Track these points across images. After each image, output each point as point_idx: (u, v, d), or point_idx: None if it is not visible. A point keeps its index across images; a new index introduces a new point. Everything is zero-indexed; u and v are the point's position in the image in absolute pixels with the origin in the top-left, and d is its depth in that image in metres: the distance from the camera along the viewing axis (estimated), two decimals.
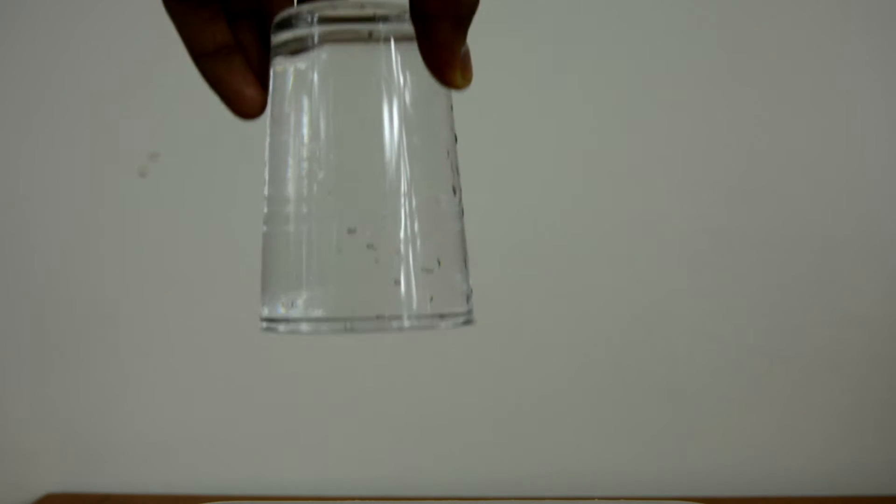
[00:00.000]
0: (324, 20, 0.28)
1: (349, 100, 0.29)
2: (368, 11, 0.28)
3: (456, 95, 0.75)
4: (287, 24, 0.29)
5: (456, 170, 0.30)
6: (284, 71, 0.30)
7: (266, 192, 0.30)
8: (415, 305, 0.27)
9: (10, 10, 0.75)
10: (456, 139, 0.30)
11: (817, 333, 0.74)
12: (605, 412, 0.76)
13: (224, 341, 0.75)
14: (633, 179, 0.74)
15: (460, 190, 0.30)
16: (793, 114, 0.73)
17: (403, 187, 0.28)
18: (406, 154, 0.28)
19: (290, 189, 0.28)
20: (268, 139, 0.30)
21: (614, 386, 0.75)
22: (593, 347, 0.75)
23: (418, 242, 0.28)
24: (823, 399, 0.75)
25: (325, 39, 0.28)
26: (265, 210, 0.30)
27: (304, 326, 0.28)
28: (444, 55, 0.26)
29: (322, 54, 0.28)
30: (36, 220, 0.76)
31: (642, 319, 0.75)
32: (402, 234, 0.27)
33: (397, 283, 0.27)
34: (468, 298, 0.29)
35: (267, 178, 0.30)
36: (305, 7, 0.29)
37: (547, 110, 0.73)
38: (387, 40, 0.28)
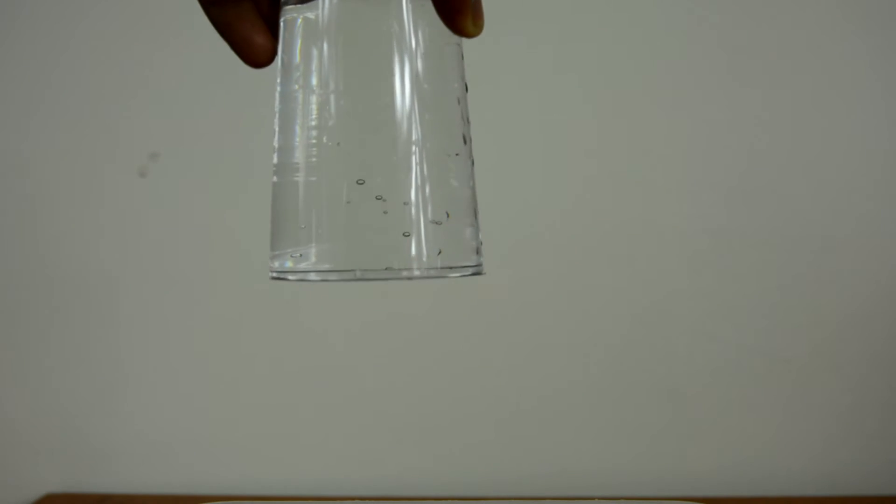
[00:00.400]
0: None
1: (359, 49, 0.28)
2: None
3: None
4: None
5: (467, 119, 0.29)
6: (294, 20, 0.29)
7: (276, 143, 0.29)
8: (424, 258, 0.27)
9: (10, 10, 0.75)
10: (467, 88, 0.30)
11: (817, 333, 0.74)
12: (605, 412, 0.76)
13: (224, 341, 0.75)
14: (633, 179, 0.74)
15: (471, 140, 0.29)
16: (793, 114, 0.73)
17: (414, 137, 0.27)
18: (417, 104, 0.28)
19: (300, 139, 0.28)
20: (277, 88, 0.30)
21: (614, 386, 0.75)
22: (593, 347, 0.75)
23: (428, 194, 0.27)
24: (823, 399, 0.75)
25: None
26: (275, 160, 0.29)
27: (312, 276, 0.28)
28: (454, 2, 0.26)
29: (333, 2, 0.28)
30: (36, 219, 0.76)
31: (642, 319, 0.75)
32: (411, 186, 0.27)
33: (406, 235, 0.27)
34: (478, 251, 0.29)
35: (277, 127, 0.29)
36: None
37: (547, 110, 0.73)
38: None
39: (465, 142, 0.29)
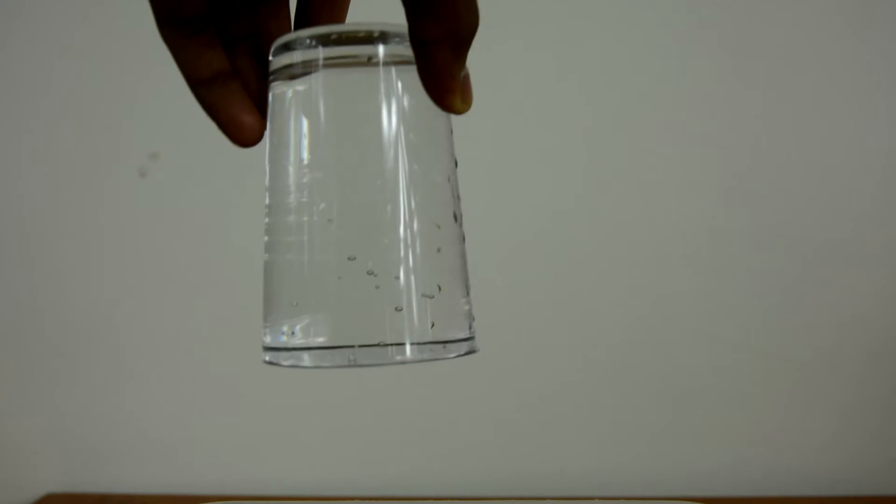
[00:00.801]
0: (323, 43, 0.28)
1: (349, 126, 0.28)
2: (368, 35, 0.28)
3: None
4: (286, 47, 0.29)
5: (457, 196, 0.29)
6: (283, 94, 0.29)
7: (266, 220, 0.29)
8: (417, 332, 0.27)
9: (11, 10, 0.75)
10: (456, 164, 0.30)
11: (817, 333, 0.74)
12: (605, 412, 0.76)
13: (224, 341, 0.75)
14: (633, 179, 0.74)
15: (461, 216, 0.29)
16: (793, 114, 0.73)
17: (404, 215, 0.27)
18: (407, 181, 0.28)
19: (291, 217, 0.28)
20: (267, 165, 0.30)
21: (614, 386, 0.75)
22: (593, 348, 0.75)
23: (419, 269, 0.27)
24: (823, 399, 0.75)
25: (325, 64, 0.28)
26: (266, 238, 0.29)
27: (306, 358, 0.28)
28: (443, 80, 0.26)
29: (321, 78, 0.28)
30: (36, 220, 0.76)
31: (642, 320, 0.75)
32: (401, 261, 0.27)
33: (398, 309, 0.27)
34: (470, 326, 0.29)
35: (267, 203, 0.30)
36: (305, 31, 0.29)
37: (547, 111, 0.73)
38: (386, 64, 0.28)
39: (455, 219, 0.29)
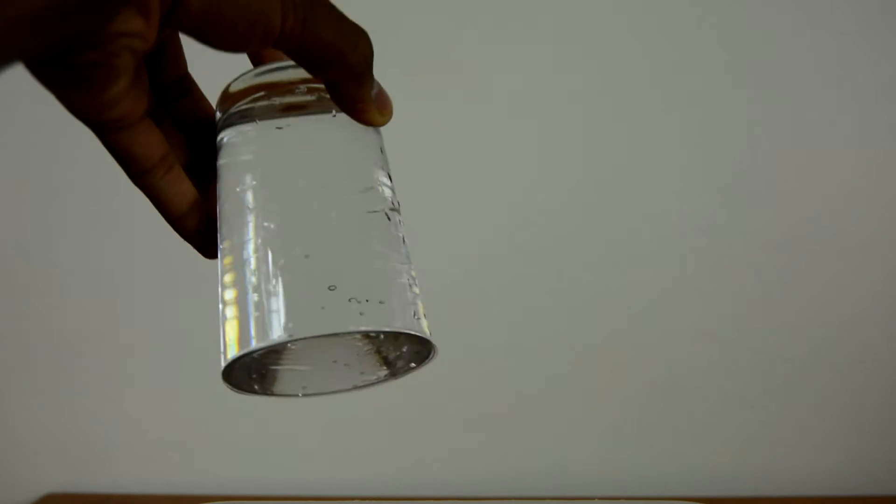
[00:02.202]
0: (254, 94, 0.30)
1: (290, 170, 0.29)
2: (294, 79, 0.30)
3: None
4: (225, 98, 0.31)
5: (391, 200, 0.30)
6: (229, 143, 0.30)
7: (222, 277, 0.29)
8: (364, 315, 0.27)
9: None
10: (391, 178, 0.31)
11: (817, 333, 0.74)
12: (604, 412, 0.76)
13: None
14: (632, 179, 0.74)
15: (398, 212, 0.30)
16: (793, 114, 0.73)
17: (354, 237, 0.28)
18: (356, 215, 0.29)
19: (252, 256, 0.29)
20: (218, 208, 0.30)
21: (614, 386, 0.75)
22: (593, 347, 0.75)
23: (364, 267, 0.28)
24: (823, 399, 0.75)
25: (257, 113, 0.30)
26: (223, 294, 0.29)
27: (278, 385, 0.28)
28: (357, 105, 0.29)
29: (257, 127, 0.30)
30: (36, 220, 0.76)
31: (642, 319, 0.75)
32: (350, 266, 0.28)
33: (350, 300, 0.27)
34: (417, 317, 0.29)
35: (223, 257, 0.29)
36: (248, 80, 0.31)
37: (547, 111, 0.73)
38: (316, 104, 0.30)
39: (388, 218, 0.29)
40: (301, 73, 0.30)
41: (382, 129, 0.31)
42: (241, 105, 0.31)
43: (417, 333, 0.27)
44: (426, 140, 0.72)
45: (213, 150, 0.31)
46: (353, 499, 0.67)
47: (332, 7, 0.27)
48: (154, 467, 0.77)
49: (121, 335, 0.77)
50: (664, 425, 0.75)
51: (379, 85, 0.30)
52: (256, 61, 0.32)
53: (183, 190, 0.30)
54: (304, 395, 0.31)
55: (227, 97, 0.31)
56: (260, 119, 0.30)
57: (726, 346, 0.74)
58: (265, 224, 0.28)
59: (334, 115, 0.30)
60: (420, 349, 0.30)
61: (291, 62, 0.30)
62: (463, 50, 0.72)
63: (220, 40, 0.26)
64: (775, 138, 0.73)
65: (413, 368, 0.31)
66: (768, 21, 0.72)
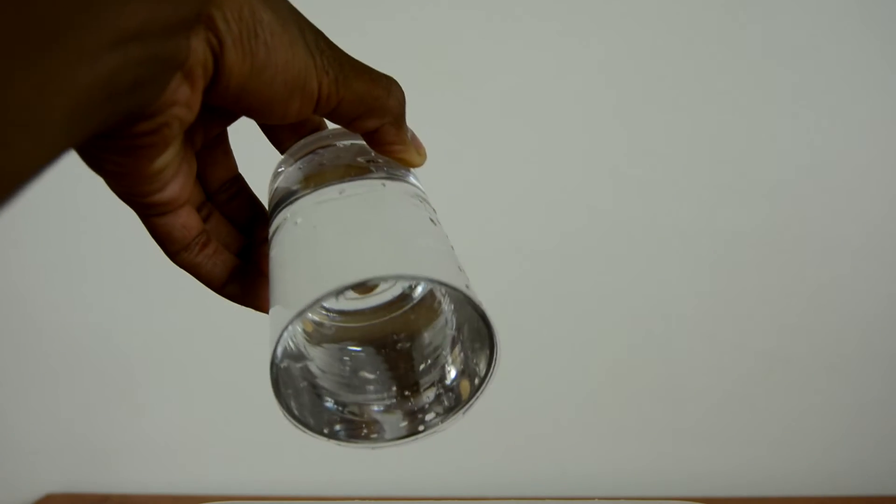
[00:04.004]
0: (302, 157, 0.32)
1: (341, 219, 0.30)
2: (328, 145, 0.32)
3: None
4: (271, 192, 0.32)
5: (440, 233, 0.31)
6: (278, 229, 0.30)
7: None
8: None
9: None
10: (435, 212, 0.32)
11: (817, 333, 0.74)
12: (605, 412, 0.76)
13: (224, 341, 0.75)
14: (633, 179, 0.74)
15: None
16: (793, 114, 0.73)
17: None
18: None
19: None
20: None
21: (614, 386, 0.75)
22: (593, 348, 0.75)
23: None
24: (823, 399, 0.75)
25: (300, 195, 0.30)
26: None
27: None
28: (397, 147, 0.31)
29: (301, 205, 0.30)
30: (35, 220, 0.76)
31: (643, 320, 0.75)
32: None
33: None
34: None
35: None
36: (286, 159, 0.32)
37: (548, 111, 0.73)
38: (364, 169, 0.31)
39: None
40: (332, 140, 0.31)
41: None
42: (284, 191, 0.31)
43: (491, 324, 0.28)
44: (426, 140, 0.71)
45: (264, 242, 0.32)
46: (353, 499, 0.67)
47: (357, 61, 0.28)
48: (154, 467, 0.77)
49: (121, 335, 0.76)
50: (664, 425, 0.75)
51: (411, 129, 0.31)
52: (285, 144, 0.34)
53: (222, 260, 0.31)
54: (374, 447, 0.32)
55: (273, 191, 0.32)
56: (303, 198, 0.30)
57: (726, 346, 0.74)
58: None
59: (384, 185, 0.30)
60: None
61: (316, 137, 0.31)
62: (463, 49, 0.72)
63: (262, 111, 0.26)
64: (776, 138, 0.73)
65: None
66: (768, 21, 0.72)
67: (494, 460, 0.76)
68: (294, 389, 0.30)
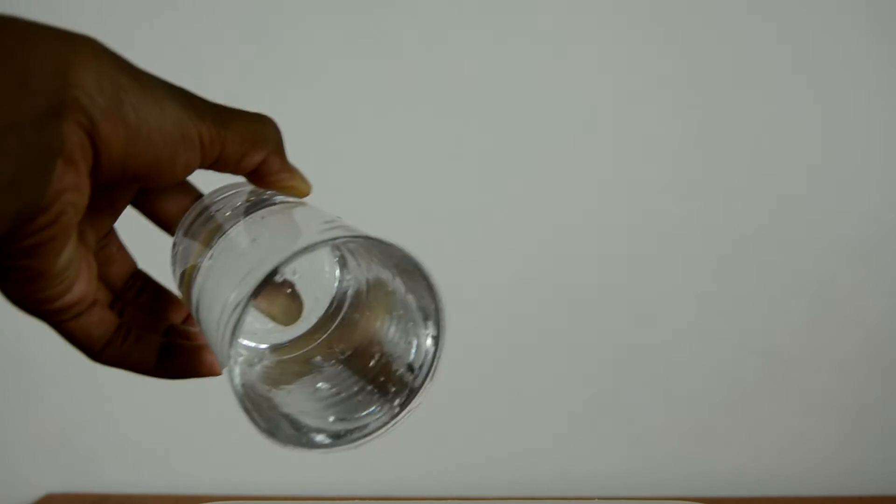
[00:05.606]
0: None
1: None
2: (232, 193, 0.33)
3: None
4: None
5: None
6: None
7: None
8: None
9: (10, 10, 0.75)
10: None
11: (817, 333, 0.74)
12: (605, 412, 0.76)
13: None
14: (633, 179, 0.74)
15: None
16: (793, 114, 0.73)
17: None
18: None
19: None
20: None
21: (614, 386, 0.75)
22: (593, 348, 0.75)
23: None
24: (823, 399, 0.75)
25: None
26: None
27: None
28: (284, 174, 0.30)
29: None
30: None
31: (642, 319, 0.75)
32: None
33: None
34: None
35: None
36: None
37: (548, 111, 0.73)
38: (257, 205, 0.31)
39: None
40: (212, 198, 0.32)
41: None
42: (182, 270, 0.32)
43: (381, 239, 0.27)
44: (426, 140, 0.72)
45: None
46: (353, 499, 0.67)
47: (223, 105, 0.29)
48: (154, 467, 0.77)
49: None
50: (664, 425, 0.75)
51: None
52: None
53: (148, 343, 0.32)
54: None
55: (179, 276, 0.33)
56: (203, 263, 0.31)
57: (727, 346, 0.74)
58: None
59: (262, 218, 0.30)
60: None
61: (197, 204, 0.32)
62: (462, 49, 0.72)
63: (152, 173, 0.26)
64: (776, 138, 0.73)
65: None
66: (769, 21, 0.72)
67: (494, 460, 0.76)
68: (273, 424, 0.31)
